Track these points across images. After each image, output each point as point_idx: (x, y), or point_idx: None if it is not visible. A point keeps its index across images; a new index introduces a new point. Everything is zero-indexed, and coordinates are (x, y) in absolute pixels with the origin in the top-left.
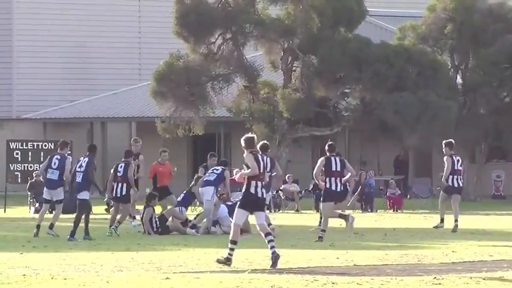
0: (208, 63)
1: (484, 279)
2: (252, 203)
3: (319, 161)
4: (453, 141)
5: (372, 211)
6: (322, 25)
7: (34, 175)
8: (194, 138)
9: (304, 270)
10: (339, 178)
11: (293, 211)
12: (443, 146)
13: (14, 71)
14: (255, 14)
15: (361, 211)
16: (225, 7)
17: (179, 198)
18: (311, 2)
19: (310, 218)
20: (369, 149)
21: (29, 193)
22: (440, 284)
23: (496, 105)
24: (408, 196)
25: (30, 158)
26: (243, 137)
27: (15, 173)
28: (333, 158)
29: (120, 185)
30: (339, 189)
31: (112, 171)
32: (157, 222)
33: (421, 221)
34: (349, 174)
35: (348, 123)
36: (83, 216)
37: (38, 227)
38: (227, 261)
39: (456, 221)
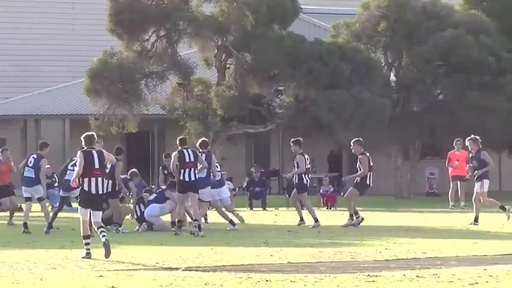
0: (142, 60)
1: (417, 276)
2: (87, 201)
3: (173, 155)
4: (301, 139)
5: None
6: (256, 22)
7: None
8: (128, 136)
9: (238, 268)
10: (192, 169)
11: None
12: (292, 144)
13: None
14: (188, 11)
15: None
16: (158, 4)
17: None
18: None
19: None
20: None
21: None
22: (374, 281)
23: (430, 102)
24: (342, 193)
25: None
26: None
27: None
28: (185, 151)
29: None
30: (193, 179)
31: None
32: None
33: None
34: (201, 165)
35: (282, 121)
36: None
37: (25, 225)
38: (87, 255)
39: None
